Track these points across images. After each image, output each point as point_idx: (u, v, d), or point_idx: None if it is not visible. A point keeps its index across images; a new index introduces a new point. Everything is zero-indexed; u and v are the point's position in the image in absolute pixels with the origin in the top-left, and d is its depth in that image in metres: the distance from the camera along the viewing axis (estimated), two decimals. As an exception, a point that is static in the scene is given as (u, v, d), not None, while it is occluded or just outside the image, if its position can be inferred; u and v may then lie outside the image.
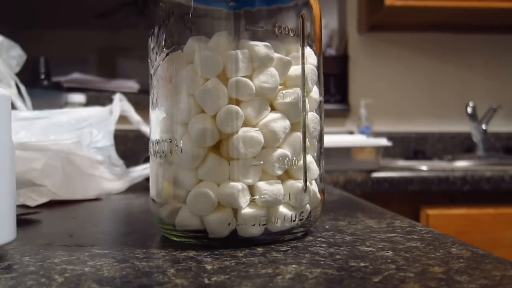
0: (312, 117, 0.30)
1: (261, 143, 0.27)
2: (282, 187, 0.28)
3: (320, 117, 0.31)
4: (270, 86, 0.28)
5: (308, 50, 0.30)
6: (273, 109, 0.28)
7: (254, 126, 0.27)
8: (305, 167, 0.29)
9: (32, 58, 0.81)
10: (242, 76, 0.27)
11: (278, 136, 0.27)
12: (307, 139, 0.29)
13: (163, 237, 0.30)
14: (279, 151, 0.28)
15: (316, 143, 0.31)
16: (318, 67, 0.31)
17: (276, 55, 0.28)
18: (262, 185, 0.27)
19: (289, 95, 0.28)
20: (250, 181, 0.27)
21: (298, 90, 0.29)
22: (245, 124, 0.27)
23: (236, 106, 0.27)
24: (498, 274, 0.21)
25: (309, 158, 0.29)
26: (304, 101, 0.29)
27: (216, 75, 0.27)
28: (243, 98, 0.27)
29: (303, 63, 0.29)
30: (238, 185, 0.27)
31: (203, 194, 0.27)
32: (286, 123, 0.28)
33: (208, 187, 0.27)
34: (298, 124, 0.29)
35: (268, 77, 0.28)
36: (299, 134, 0.29)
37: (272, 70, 0.28)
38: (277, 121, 0.28)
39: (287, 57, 0.29)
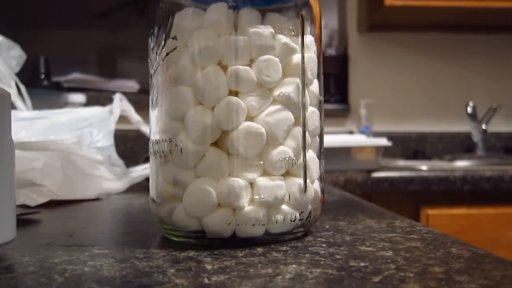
0: (312, 113, 0.29)
1: (262, 142, 0.27)
2: (283, 183, 0.27)
3: (320, 116, 0.31)
4: (271, 80, 0.27)
5: (309, 39, 0.29)
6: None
7: (254, 118, 0.27)
8: (305, 166, 0.29)
9: (32, 58, 0.81)
10: (242, 65, 0.27)
11: (280, 135, 0.27)
12: (307, 135, 0.29)
13: (163, 237, 0.30)
14: (280, 149, 0.27)
15: (317, 140, 0.30)
16: (318, 67, 0.31)
17: (281, 40, 0.28)
18: (262, 182, 0.27)
19: (289, 85, 0.28)
20: (251, 177, 0.27)
21: (297, 80, 0.28)
22: (246, 116, 0.27)
23: (237, 99, 0.27)
24: (498, 274, 0.21)
25: (310, 154, 0.29)
26: (304, 95, 0.28)
27: (215, 64, 0.27)
28: (243, 91, 0.27)
29: (303, 63, 0.29)
30: (240, 181, 0.26)
31: (202, 194, 0.26)
32: (290, 116, 0.28)
33: (208, 184, 0.26)
34: (297, 119, 0.28)
35: (270, 69, 0.27)
36: (299, 129, 0.28)
37: (275, 61, 0.27)
38: (281, 113, 0.27)
39: (292, 43, 0.28)
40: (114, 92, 0.69)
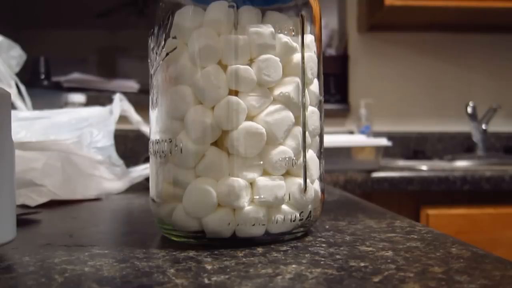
0: (312, 113, 0.29)
1: (262, 142, 0.27)
2: (283, 183, 0.27)
3: (320, 116, 0.31)
4: (271, 80, 0.27)
5: (309, 38, 0.29)
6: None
7: (254, 118, 0.27)
8: (305, 166, 0.28)
9: (32, 58, 0.81)
10: (242, 65, 0.27)
11: (280, 135, 0.27)
12: (307, 135, 0.29)
13: (163, 237, 0.30)
14: (280, 149, 0.27)
15: (317, 140, 0.30)
16: (318, 66, 0.30)
17: (281, 39, 0.28)
18: (262, 182, 0.27)
19: (289, 85, 0.28)
20: (251, 177, 0.27)
21: (297, 79, 0.28)
22: (246, 115, 0.27)
23: (237, 98, 0.26)
24: (498, 274, 0.21)
25: (310, 154, 0.29)
26: (304, 95, 0.28)
27: (215, 63, 0.27)
28: (243, 90, 0.27)
29: (303, 63, 0.29)
30: (240, 181, 0.26)
31: (202, 194, 0.26)
32: (290, 116, 0.28)
33: (208, 184, 0.26)
34: (297, 119, 0.28)
35: (271, 69, 0.27)
36: (299, 129, 0.28)
37: (275, 60, 0.27)
38: (281, 113, 0.27)
39: (292, 43, 0.28)
40: (114, 92, 0.69)
